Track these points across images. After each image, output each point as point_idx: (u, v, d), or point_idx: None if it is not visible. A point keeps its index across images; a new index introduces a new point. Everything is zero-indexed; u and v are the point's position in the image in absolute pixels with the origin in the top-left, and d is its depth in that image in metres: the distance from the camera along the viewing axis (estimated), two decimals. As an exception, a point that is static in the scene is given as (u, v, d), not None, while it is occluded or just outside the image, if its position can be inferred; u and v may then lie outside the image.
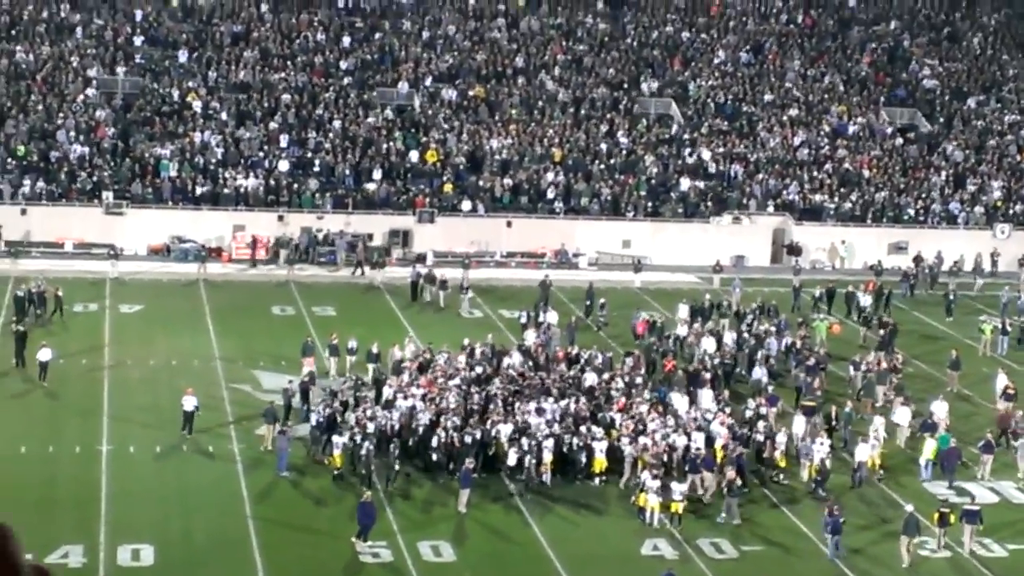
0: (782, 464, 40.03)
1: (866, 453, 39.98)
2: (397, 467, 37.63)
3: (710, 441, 39.73)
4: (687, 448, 39.44)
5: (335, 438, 38.27)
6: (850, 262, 66.72)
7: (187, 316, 52.73)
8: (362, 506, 34.44)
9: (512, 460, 38.30)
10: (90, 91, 68.90)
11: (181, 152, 66.07)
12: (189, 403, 40.26)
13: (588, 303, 55.04)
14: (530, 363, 45.39)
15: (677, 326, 51.43)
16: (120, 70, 70.68)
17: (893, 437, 42.47)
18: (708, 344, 48.72)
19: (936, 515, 36.37)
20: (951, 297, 58.81)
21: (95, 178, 63.92)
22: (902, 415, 43.15)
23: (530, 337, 48.55)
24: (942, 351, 51.31)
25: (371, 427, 38.67)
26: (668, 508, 36.81)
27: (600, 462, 38.88)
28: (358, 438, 37.84)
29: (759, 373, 46.46)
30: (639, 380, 44.35)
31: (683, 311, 52.93)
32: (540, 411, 40.49)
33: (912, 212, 70.10)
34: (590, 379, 43.84)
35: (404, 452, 38.58)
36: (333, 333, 47.26)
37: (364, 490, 35.59)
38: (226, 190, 64.48)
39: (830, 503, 36.48)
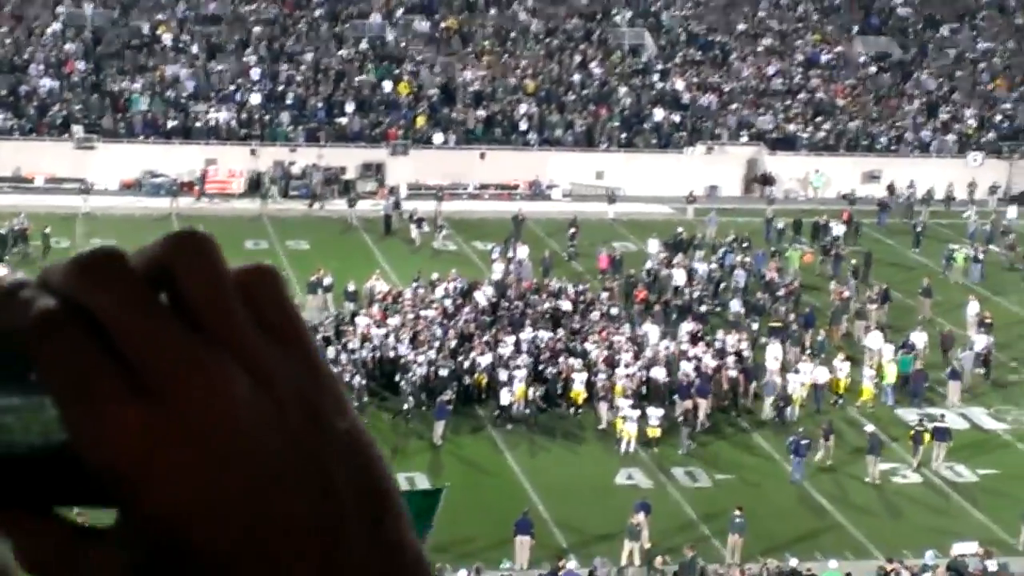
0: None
1: (825, 376, 40.57)
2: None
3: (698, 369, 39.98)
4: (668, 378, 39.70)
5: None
6: (823, 192, 66.77)
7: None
8: None
9: (505, 399, 38.28)
10: (58, 24, 68.26)
11: (152, 86, 65.58)
12: None
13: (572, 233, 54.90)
14: (499, 296, 45.36)
15: (648, 260, 51.40)
16: (88, 4, 69.99)
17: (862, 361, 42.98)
18: (679, 276, 48.83)
19: (910, 434, 36.95)
20: (918, 228, 58.94)
21: (65, 112, 63.44)
22: (873, 339, 43.64)
23: (499, 271, 48.56)
24: (915, 279, 51.52)
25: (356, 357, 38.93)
26: (645, 434, 37.10)
27: (578, 393, 39.06)
28: (347, 374, 37.86)
29: (736, 305, 46.72)
30: (615, 311, 44.53)
31: (654, 245, 52.92)
32: (517, 344, 40.61)
33: (885, 141, 70.10)
34: (564, 308, 44.02)
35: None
36: (319, 269, 46.93)
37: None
38: (198, 124, 64.08)
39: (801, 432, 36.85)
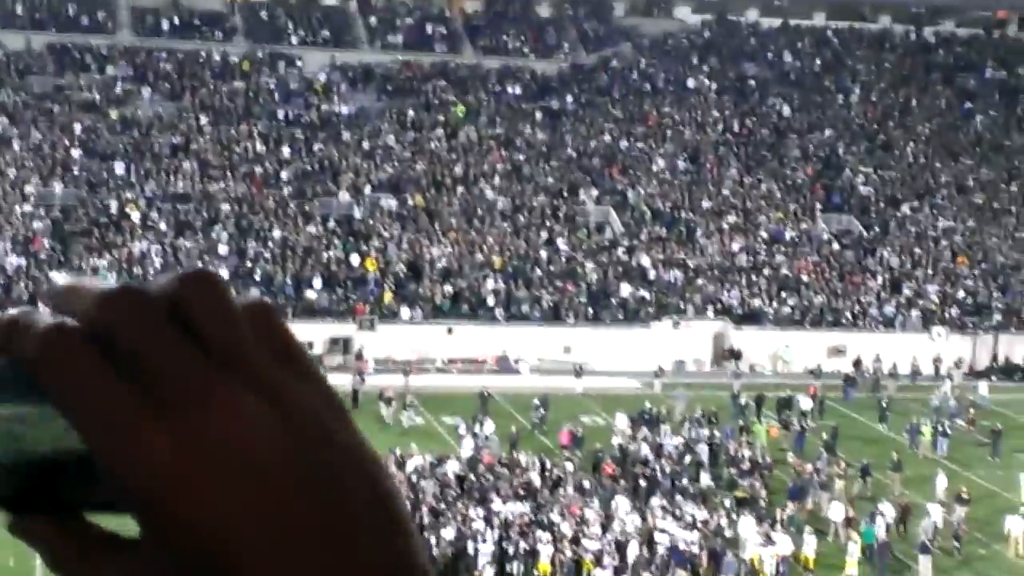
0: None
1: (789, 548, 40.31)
2: None
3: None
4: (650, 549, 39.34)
5: None
6: (793, 366, 66.92)
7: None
8: None
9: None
10: (27, 205, 68.59)
11: (119, 262, 65.71)
12: None
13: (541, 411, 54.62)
14: (467, 471, 45.01)
15: (615, 434, 51.08)
16: (57, 183, 70.44)
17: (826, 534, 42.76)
18: (646, 451, 48.62)
19: None
20: (884, 403, 58.95)
21: (31, 289, 63.35)
22: (835, 511, 43.55)
23: (468, 446, 48.23)
24: (883, 453, 51.37)
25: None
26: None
27: (544, 567, 38.56)
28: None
29: (705, 479, 46.51)
30: (586, 484, 44.27)
31: (621, 420, 52.65)
32: (487, 517, 40.18)
33: (850, 316, 70.58)
34: (535, 482, 43.73)
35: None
36: None
37: None
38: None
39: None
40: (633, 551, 39.01)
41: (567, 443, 50.01)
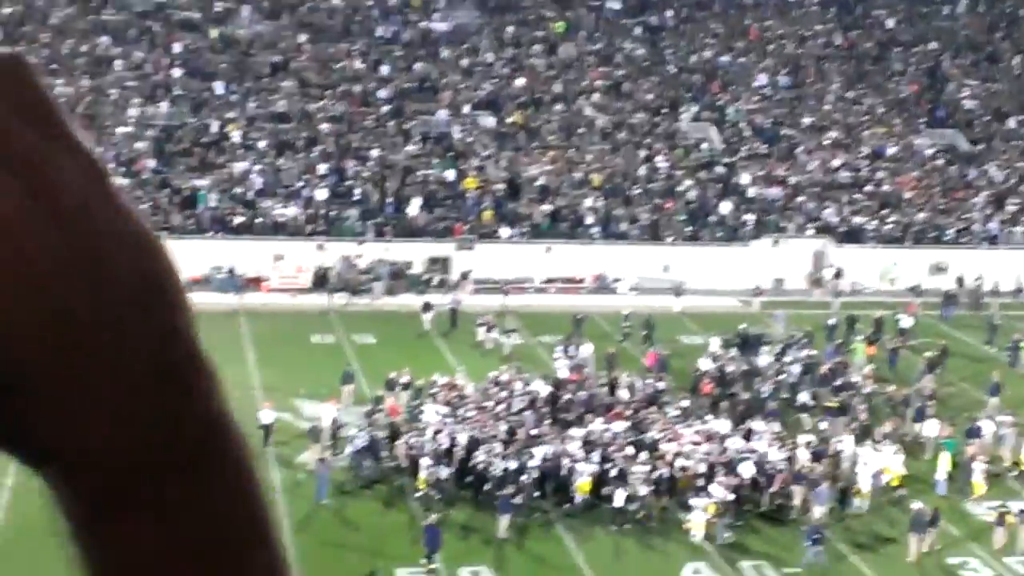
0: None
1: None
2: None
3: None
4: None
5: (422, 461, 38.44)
6: (900, 284, 66.08)
7: (226, 345, 52.86)
8: (429, 528, 34.84)
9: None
10: (129, 126, 69.39)
11: (220, 183, 66.40)
12: (267, 416, 41.60)
13: (645, 332, 54.54)
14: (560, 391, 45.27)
15: (706, 356, 50.73)
16: (158, 104, 71.14)
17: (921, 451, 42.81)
18: (742, 370, 48.64)
19: (996, 516, 37.17)
20: (995, 321, 58.15)
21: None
22: (930, 428, 43.46)
23: (563, 367, 48.30)
24: (985, 372, 50.88)
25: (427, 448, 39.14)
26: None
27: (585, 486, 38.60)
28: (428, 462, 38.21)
29: (804, 398, 46.40)
30: (686, 404, 44.42)
31: (715, 343, 52.33)
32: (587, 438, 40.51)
33: (952, 233, 69.66)
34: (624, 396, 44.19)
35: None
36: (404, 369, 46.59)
37: (430, 513, 35.90)
38: (265, 220, 64.74)
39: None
40: (747, 470, 39.14)
41: (652, 364, 49.77)
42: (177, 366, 1.04)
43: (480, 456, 38.89)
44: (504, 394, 44.18)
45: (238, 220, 64.72)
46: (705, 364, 49.11)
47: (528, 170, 69.72)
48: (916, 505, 37.21)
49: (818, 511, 38.25)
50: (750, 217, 68.47)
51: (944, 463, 41.04)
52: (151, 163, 67.33)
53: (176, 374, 1.04)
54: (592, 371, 48.34)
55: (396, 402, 44.18)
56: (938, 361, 51.32)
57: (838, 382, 47.54)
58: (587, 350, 50.68)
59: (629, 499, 37.86)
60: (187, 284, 0.94)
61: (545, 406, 43.43)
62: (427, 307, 56.15)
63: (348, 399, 45.48)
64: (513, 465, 38.39)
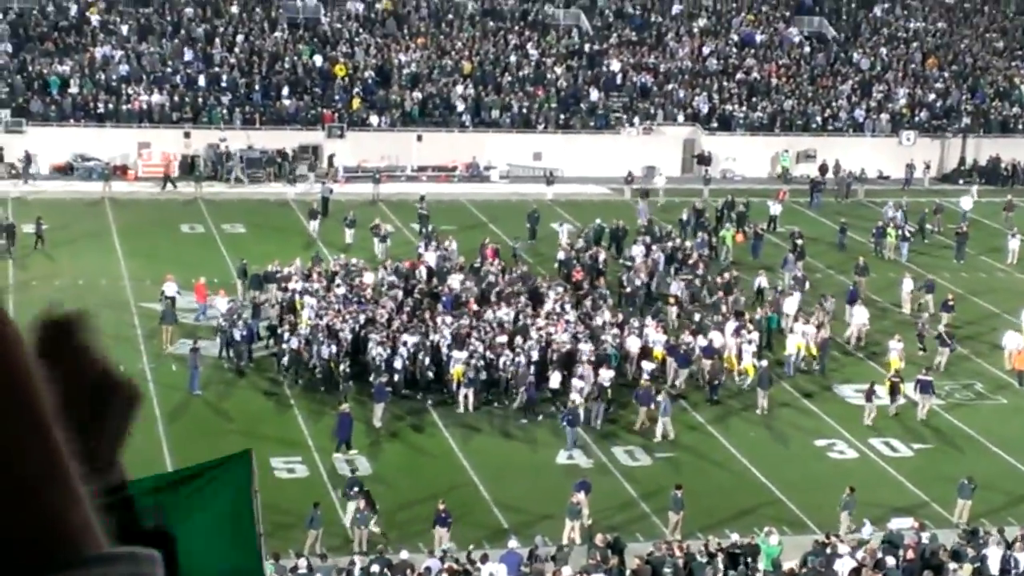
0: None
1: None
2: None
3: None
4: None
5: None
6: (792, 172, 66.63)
7: (93, 235, 51.97)
8: (342, 416, 34.81)
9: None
10: (-14, 7, 67.26)
11: (81, 68, 64.75)
12: (171, 289, 42.11)
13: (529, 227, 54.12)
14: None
15: (560, 247, 50.58)
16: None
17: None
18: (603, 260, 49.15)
19: (888, 385, 38.16)
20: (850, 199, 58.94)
21: (-9, 94, 62.49)
22: (790, 305, 44.39)
23: (430, 257, 47.85)
24: (849, 260, 51.73)
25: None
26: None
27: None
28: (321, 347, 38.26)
29: (676, 287, 46.77)
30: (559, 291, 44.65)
31: (563, 234, 52.09)
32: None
33: (820, 120, 70.41)
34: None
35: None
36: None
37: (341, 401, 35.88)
38: (130, 107, 63.36)
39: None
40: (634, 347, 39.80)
41: (491, 257, 49.03)
42: None
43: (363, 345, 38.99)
44: (375, 281, 44.11)
45: (102, 107, 63.26)
46: (562, 254, 49.32)
47: (398, 57, 68.98)
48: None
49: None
50: (621, 104, 68.55)
51: (793, 344, 42.18)
52: (7, 47, 65.34)
53: None
54: (456, 260, 48.04)
55: (272, 293, 43.88)
56: (803, 248, 52.06)
57: (699, 270, 48.10)
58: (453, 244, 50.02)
59: (505, 386, 38.15)
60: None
61: (420, 295, 43.38)
62: (313, 214, 54.72)
63: (243, 291, 44.98)
64: (386, 353, 38.35)
